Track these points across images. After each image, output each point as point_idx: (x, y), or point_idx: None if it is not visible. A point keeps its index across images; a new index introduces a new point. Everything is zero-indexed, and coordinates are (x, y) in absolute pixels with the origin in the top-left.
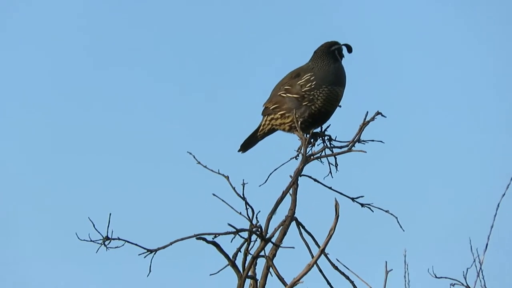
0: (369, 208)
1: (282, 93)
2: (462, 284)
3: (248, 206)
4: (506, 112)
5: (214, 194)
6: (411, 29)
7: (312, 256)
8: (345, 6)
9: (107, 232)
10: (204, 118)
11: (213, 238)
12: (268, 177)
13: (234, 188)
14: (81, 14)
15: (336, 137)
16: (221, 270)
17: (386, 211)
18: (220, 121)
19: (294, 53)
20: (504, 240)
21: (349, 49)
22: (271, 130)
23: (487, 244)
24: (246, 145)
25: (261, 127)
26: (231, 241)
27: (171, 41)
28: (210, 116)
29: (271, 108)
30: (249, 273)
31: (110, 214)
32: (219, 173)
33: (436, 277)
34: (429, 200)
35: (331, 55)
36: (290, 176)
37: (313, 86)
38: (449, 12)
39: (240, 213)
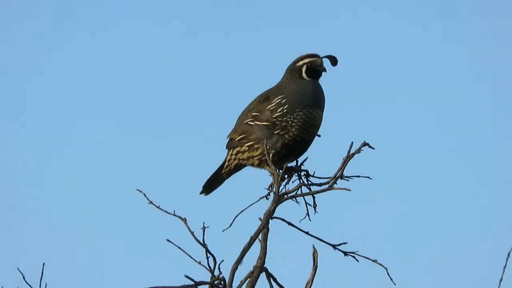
0: (354, 257)
1: (250, 121)
2: None
3: (209, 254)
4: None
5: (168, 240)
6: (402, 49)
7: None
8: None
9: (40, 285)
10: (157, 153)
11: None
12: (234, 220)
13: (192, 233)
14: None
15: (314, 172)
16: None
17: (374, 261)
18: (177, 156)
19: (264, 72)
20: None
21: (333, 62)
22: (239, 166)
23: None
24: (210, 186)
25: (227, 163)
26: None
27: (129, 72)
28: (164, 151)
29: (236, 139)
30: None
31: (43, 264)
32: (174, 215)
33: None
34: (425, 247)
35: (306, 71)
36: (260, 219)
37: (285, 111)
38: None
39: (200, 263)
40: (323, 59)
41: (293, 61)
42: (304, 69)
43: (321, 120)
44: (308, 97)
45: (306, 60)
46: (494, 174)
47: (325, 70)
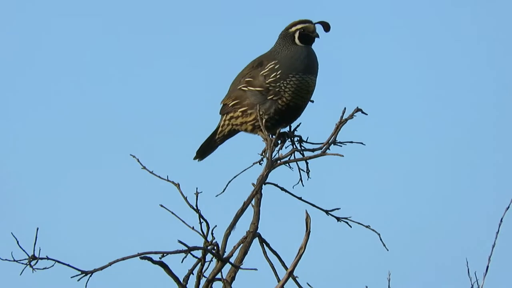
0: (347, 222)
1: (243, 87)
2: None
3: (202, 220)
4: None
5: (161, 205)
6: (397, 14)
7: (279, 280)
8: None
9: (34, 250)
10: (150, 118)
11: (160, 258)
12: (227, 185)
13: (185, 198)
14: None
15: (307, 138)
16: None
17: (367, 227)
18: (170, 122)
19: (258, 38)
20: (506, 261)
21: (326, 28)
22: (232, 132)
23: (487, 267)
24: (203, 151)
25: (220, 129)
26: (182, 261)
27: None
28: (158, 116)
29: (230, 105)
30: None
31: (37, 229)
32: (168, 180)
33: None
34: (419, 213)
35: (299, 36)
36: (253, 184)
37: (278, 76)
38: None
39: (193, 228)
40: (316, 25)
41: (286, 27)
42: (297, 35)
43: (315, 86)
44: (301, 63)
45: (299, 26)
46: (488, 142)
47: (317, 36)
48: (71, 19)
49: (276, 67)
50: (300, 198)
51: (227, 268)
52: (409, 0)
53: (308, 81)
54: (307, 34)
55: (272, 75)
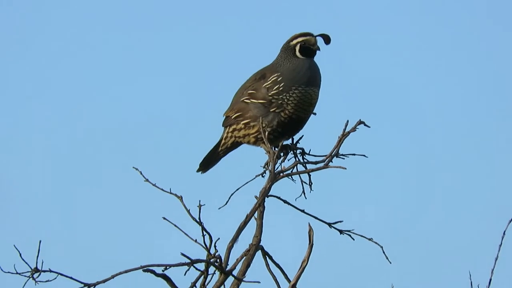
0: (349, 235)
1: (246, 99)
2: None
3: (205, 233)
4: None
5: (164, 218)
6: (398, 24)
7: None
8: None
9: (36, 262)
10: (153, 130)
11: (163, 271)
12: (229, 198)
13: (188, 211)
14: None
15: (310, 150)
16: None
17: (370, 239)
18: (173, 134)
19: (260, 50)
20: (509, 274)
21: (327, 40)
22: (235, 144)
23: (490, 280)
24: (206, 164)
25: (223, 141)
26: (185, 274)
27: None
28: (161, 128)
29: (233, 117)
30: None
31: (40, 242)
32: (170, 193)
33: None
34: (422, 226)
35: (300, 49)
36: (256, 197)
37: (281, 89)
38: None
39: (196, 241)
40: (316, 37)
41: (287, 40)
42: (298, 47)
43: (317, 98)
44: (304, 75)
45: (300, 39)
46: (491, 154)
47: (318, 49)
48: (75, 19)
49: (279, 79)
50: (302, 211)
51: (230, 281)
52: (412, 9)
53: (310, 94)
54: (308, 47)
55: (275, 88)
